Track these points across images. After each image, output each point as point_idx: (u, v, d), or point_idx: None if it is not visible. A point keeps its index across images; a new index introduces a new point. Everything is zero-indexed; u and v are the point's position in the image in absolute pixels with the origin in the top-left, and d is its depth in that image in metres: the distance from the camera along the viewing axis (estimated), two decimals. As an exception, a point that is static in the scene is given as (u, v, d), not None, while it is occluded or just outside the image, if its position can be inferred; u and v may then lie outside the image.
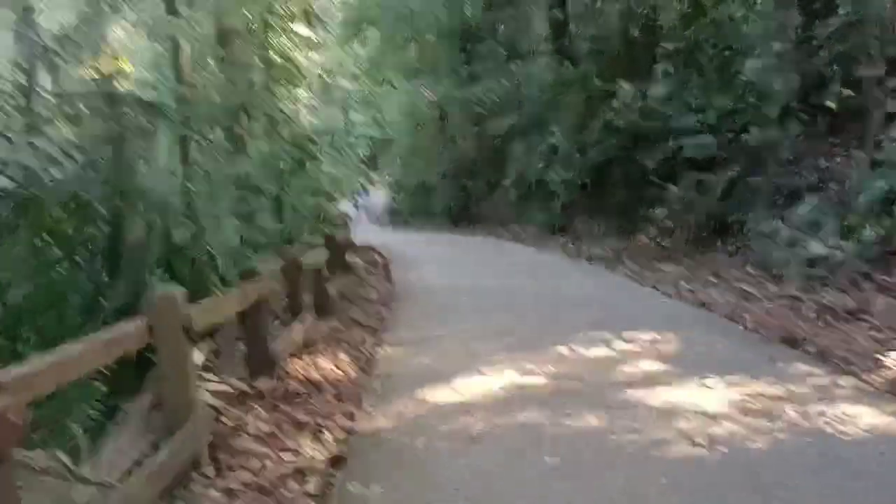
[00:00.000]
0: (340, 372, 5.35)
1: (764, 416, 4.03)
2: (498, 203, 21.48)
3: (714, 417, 3.98)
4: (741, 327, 6.49)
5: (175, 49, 9.29)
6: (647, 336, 5.89)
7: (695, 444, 3.65)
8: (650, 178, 13.02)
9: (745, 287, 8.14)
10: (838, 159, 9.40)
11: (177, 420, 3.19)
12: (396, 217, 31.54)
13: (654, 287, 9.07)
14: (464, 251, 15.33)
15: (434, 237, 20.88)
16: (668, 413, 4.03)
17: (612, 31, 16.55)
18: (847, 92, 8.45)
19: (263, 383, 4.52)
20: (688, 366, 4.92)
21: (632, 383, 4.52)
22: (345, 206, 32.16)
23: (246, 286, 4.27)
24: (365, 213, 31.92)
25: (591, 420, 3.93)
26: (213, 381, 3.54)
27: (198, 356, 3.51)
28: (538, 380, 4.64)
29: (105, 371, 3.20)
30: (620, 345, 5.59)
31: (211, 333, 4.68)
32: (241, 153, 8.98)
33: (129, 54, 13.61)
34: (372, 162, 48.38)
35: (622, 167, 14.54)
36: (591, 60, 16.56)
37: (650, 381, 4.56)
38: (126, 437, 3.14)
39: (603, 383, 4.52)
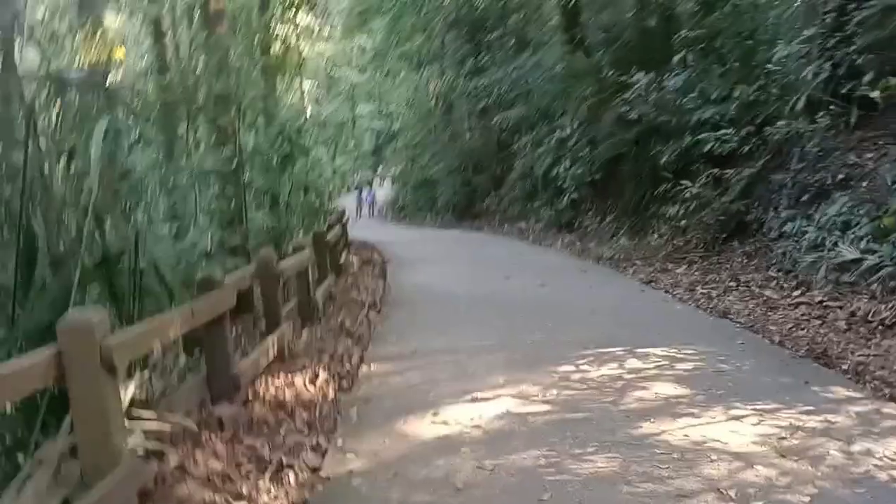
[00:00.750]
0: (317, 392, 4.76)
1: (804, 457, 3.42)
2: (503, 199, 20.82)
3: (746, 460, 3.36)
4: (766, 340, 5.86)
5: (156, 31, 8.70)
6: (662, 352, 5.26)
7: (724, 496, 3.04)
8: (663, 173, 12.35)
9: (768, 293, 7.50)
10: (870, 154, 8.70)
11: (97, 470, 2.61)
12: (400, 212, 30.95)
13: (667, 292, 8.44)
14: (466, 249, 14.70)
15: (436, 234, 20.29)
16: (691, 454, 3.41)
17: (626, 20, 15.85)
18: (892, 80, 7.72)
19: (224, 409, 3.93)
20: (711, 390, 4.30)
21: (647, 413, 3.90)
22: (345, 200, 31.74)
23: (200, 301, 3.68)
24: (368, 208, 31.39)
25: (601, 463, 3.32)
26: (151, 419, 2.95)
27: (135, 387, 2.92)
28: (540, 408, 4.03)
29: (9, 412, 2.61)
30: (633, 363, 4.97)
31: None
32: (226, 145, 8.37)
33: (122, 41, 13.07)
34: (377, 155, 48.02)
35: (634, 162, 13.88)
36: (605, 50, 15.85)
37: (668, 410, 3.94)
38: (31, 494, 2.56)
39: (614, 414, 3.90)
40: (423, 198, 28.03)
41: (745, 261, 9.41)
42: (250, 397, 4.39)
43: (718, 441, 3.57)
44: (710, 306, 7.29)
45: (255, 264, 5.48)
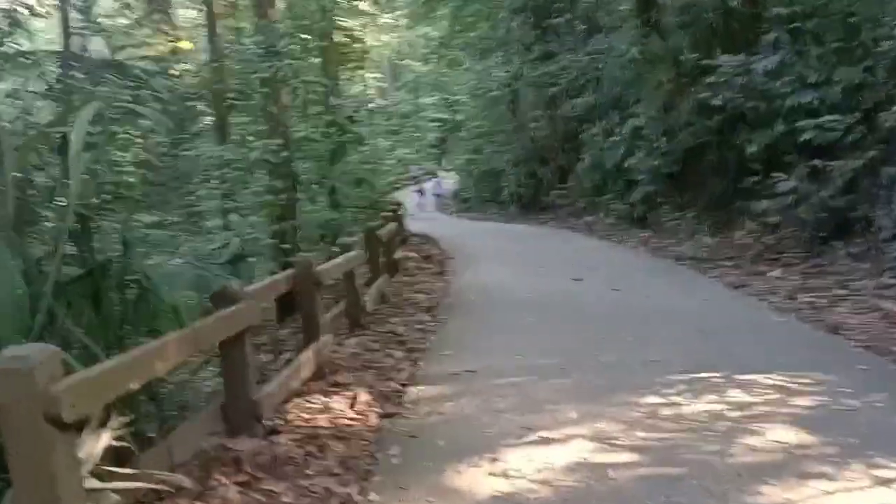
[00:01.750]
0: (357, 417, 4.09)
1: None
2: (571, 191, 19.83)
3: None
4: (894, 366, 4.86)
5: (210, 16, 8.23)
6: (770, 380, 4.36)
7: None
8: (751, 165, 11.20)
9: (887, 305, 6.41)
10: None
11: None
12: (463, 205, 30.25)
13: (762, 299, 7.41)
14: (531, 246, 13.85)
15: (500, 228, 19.48)
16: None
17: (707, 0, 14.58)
18: None
19: (242, 444, 3.31)
20: (843, 437, 3.40)
21: (764, 471, 3.05)
22: (406, 193, 31.28)
23: (211, 318, 3.06)
24: (431, 201, 30.82)
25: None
26: (126, 479, 2.33)
27: (110, 435, 2.29)
28: (623, 457, 3.23)
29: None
30: (736, 395, 4.09)
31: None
32: (275, 134, 7.83)
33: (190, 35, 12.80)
34: (441, 146, 47.50)
35: (717, 153, 12.71)
36: (683, 33, 14.65)
37: (792, 467, 3.08)
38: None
39: (720, 469, 3.07)
40: (488, 190, 27.27)
41: (852, 264, 8.27)
42: (279, 425, 3.76)
43: (865, 517, 2.71)
44: (817, 319, 6.26)
45: (290, 270, 4.85)
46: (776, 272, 8.67)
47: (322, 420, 3.97)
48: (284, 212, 9.05)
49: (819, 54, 10.80)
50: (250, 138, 8.10)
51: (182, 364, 3.01)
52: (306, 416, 4.00)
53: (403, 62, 52.05)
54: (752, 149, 11.20)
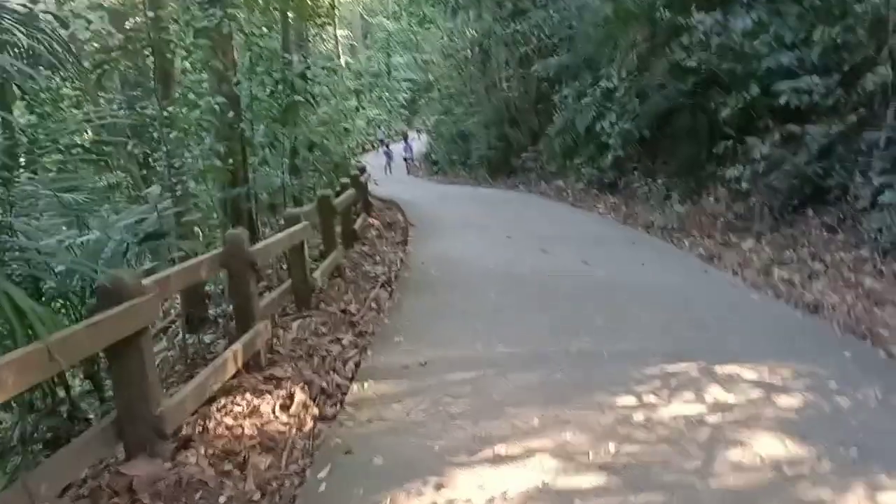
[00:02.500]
0: (289, 423, 3.59)
1: None
2: (541, 154, 19.30)
3: None
4: (882, 352, 4.50)
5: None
6: (752, 373, 3.95)
7: None
8: (725, 129, 10.76)
9: (868, 282, 6.06)
10: None
11: None
12: (433, 167, 29.53)
13: (736, 273, 7.05)
14: (498, 212, 13.33)
15: (469, 192, 18.91)
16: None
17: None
18: None
19: (139, 468, 2.78)
20: (837, 447, 3.00)
21: (754, 496, 2.62)
22: (373, 156, 30.44)
23: (94, 321, 2.49)
24: (400, 164, 30.05)
25: None
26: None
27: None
28: (591, 480, 2.77)
29: None
30: (716, 393, 3.67)
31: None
32: (217, 93, 7.13)
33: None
34: (412, 107, 46.53)
35: (690, 116, 12.24)
36: (657, -10, 14.02)
37: (784, 490, 2.66)
38: None
39: (703, 495, 2.64)
40: (457, 152, 26.58)
41: (827, 235, 7.92)
42: (193, 436, 3.23)
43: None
44: (795, 297, 5.90)
45: (221, 249, 4.26)
46: (749, 244, 8.31)
47: (248, 427, 3.45)
48: (235, 178, 8.38)
49: (797, 13, 10.33)
50: (192, 97, 7.36)
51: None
52: (229, 421, 3.48)
53: (375, 20, 50.61)
54: (725, 112, 10.75)
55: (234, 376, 3.97)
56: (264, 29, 8.31)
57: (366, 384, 4.13)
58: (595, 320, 5.24)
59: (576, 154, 16.64)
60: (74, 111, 9.70)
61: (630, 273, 7.05)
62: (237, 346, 4.03)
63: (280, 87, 7.33)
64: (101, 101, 11.17)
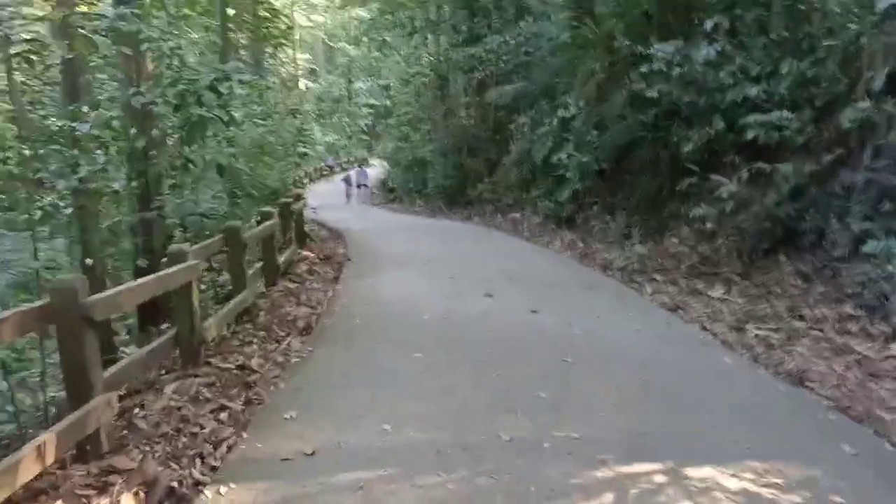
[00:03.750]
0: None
1: None
2: (497, 185, 18.49)
3: None
4: (889, 446, 3.63)
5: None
6: (733, 480, 3.03)
7: None
8: (687, 165, 10.05)
9: (856, 346, 5.25)
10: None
11: None
12: (389, 195, 28.51)
13: (705, 328, 6.19)
14: (448, 246, 12.38)
15: (421, 222, 17.96)
16: None
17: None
18: None
19: None
20: None
21: None
22: (330, 183, 29.37)
23: None
24: (355, 191, 29.02)
25: None
26: None
27: None
28: None
29: None
30: (689, 515, 2.72)
31: None
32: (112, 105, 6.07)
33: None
34: (372, 133, 45.81)
35: (651, 150, 11.53)
36: (617, 17, 13.44)
37: None
38: None
39: None
40: (414, 180, 25.66)
41: (804, 285, 7.15)
42: None
43: None
44: (774, 362, 5.05)
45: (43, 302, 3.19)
46: (717, 292, 7.51)
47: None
48: (144, 202, 7.31)
49: (763, 44, 9.75)
50: (85, 109, 6.28)
51: None
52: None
53: (337, 45, 50.00)
54: (688, 147, 10.05)
55: (41, 475, 2.90)
56: (175, 32, 7.29)
57: (224, 489, 3.07)
58: (537, 391, 4.26)
59: (532, 186, 15.86)
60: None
61: (584, 326, 6.12)
62: (47, 434, 2.94)
63: (184, 100, 6.29)
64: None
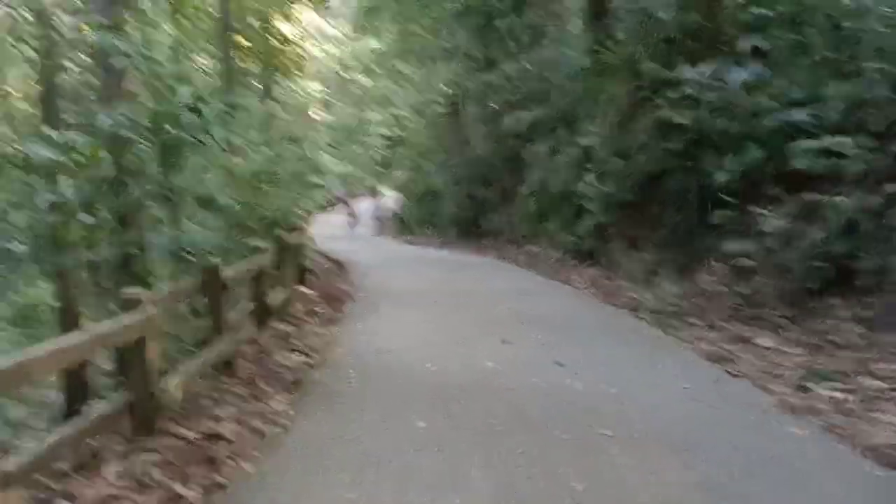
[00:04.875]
0: None
1: None
2: (512, 217, 17.68)
3: None
4: None
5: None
6: None
7: None
8: (721, 196, 9.18)
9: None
10: None
11: None
12: (400, 226, 27.82)
13: (762, 386, 5.24)
14: (460, 283, 11.53)
15: (432, 256, 17.15)
16: None
17: (669, 2, 12.71)
18: None
19: None
20: None
21: None
22: (337, 214, 28.78)
23: None
24: (367, 222, 28.42)
25: None
26: None
27: None
28: None
29: None
30: None
31: None
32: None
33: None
34: (385, 164, 45.50)
35: (680, 180, 10.67)
36: (641, 40, 12.70)
37: None
38: None
39: None
40: (426, 212, 25.02)
41: (867, 333, 6.22)
42: None
43: None
44: (858, 436, 4.10)
45: None
46: (767, 340, 6.57)
47: None
48: (117, 237, 6.56)
49: (808, 64, 8.94)
50: (49, 132, 5.57)
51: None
52: None
53: (351, 76, 49.97)
54: (722, 177, 9.18)
55: None
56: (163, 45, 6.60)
57: None
58: (570, 479, 3.36)
59: (550, 217, 15.03)
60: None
61: (617, 381, 5.20)
62: None
63: (158, 123, 5.56)
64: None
